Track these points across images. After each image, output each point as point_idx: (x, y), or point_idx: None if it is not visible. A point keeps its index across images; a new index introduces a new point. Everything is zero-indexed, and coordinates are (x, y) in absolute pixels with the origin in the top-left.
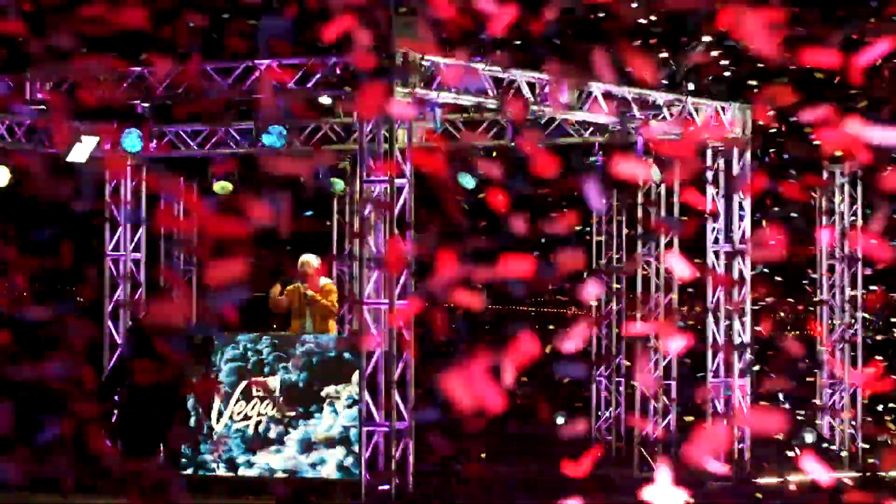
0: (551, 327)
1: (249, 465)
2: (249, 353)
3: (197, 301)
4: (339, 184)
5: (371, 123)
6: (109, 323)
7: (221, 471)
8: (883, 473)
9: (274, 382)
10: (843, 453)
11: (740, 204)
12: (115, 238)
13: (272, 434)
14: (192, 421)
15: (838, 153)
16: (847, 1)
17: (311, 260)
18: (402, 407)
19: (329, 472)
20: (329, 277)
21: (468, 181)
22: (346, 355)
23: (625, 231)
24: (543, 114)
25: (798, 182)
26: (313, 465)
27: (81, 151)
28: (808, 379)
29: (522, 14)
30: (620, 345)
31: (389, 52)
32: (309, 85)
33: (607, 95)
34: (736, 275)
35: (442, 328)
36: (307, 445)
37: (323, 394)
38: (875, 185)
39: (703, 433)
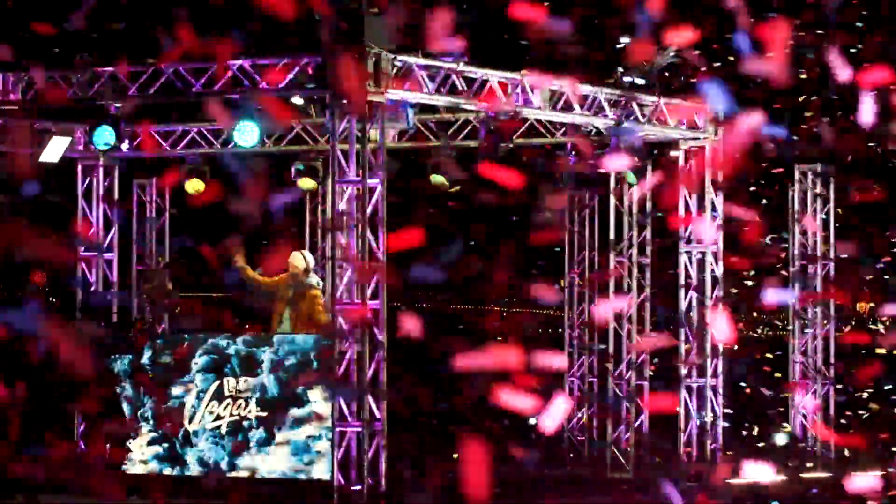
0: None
1: (229, 466)
2: (223, 354)
3: None
4: None
5: (344, 122)
6: None
7: (195, 471)
8: (856, 473)
9: None
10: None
11: (713, 204)
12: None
13: (241, 434)
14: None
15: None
16: None
17: (296, 259)
18: (374, 407)
19: (299, 472)
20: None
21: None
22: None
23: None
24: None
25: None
26: (284, 466)
27: (54, 151)
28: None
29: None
30: (592, 343)
31: (361, 53)
32: (282, 85)
33: (584, 96)
34: (708, 276)
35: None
36: (277, 446)
37: (298, 394)
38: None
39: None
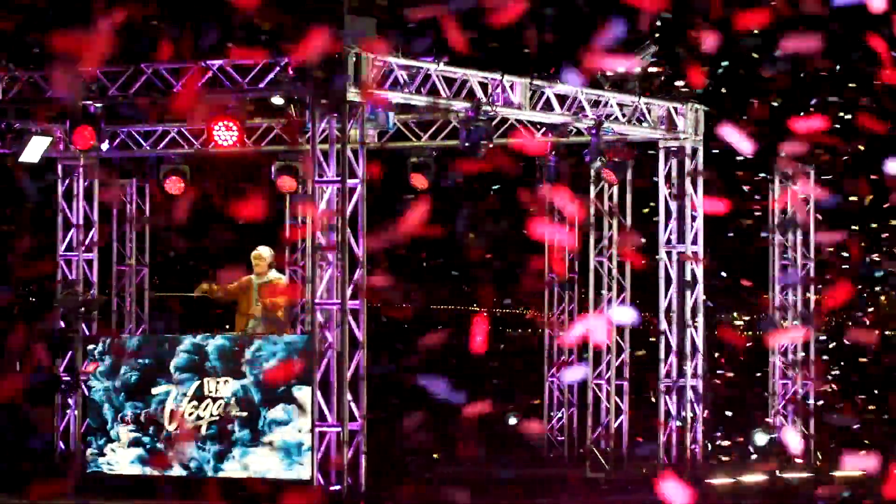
0: None
1: (211, 467)
2: (202, 354)
3: None
4: None
5: (324, 122)
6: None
7: (177, 471)
8: (836, 473)
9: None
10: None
11: (693, 204)
12: (68, 239)
13: (223, 435)
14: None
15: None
16: None
17: (262, 252)
18: (353, 407)
19: (278, 472)
20: (282, 273)
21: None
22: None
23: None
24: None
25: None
26: (265, 466)
27: (34, 151)
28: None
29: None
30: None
31: (342, 52)
32: (261, 85)
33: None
34: (689, 276)
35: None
36: (258, 446)
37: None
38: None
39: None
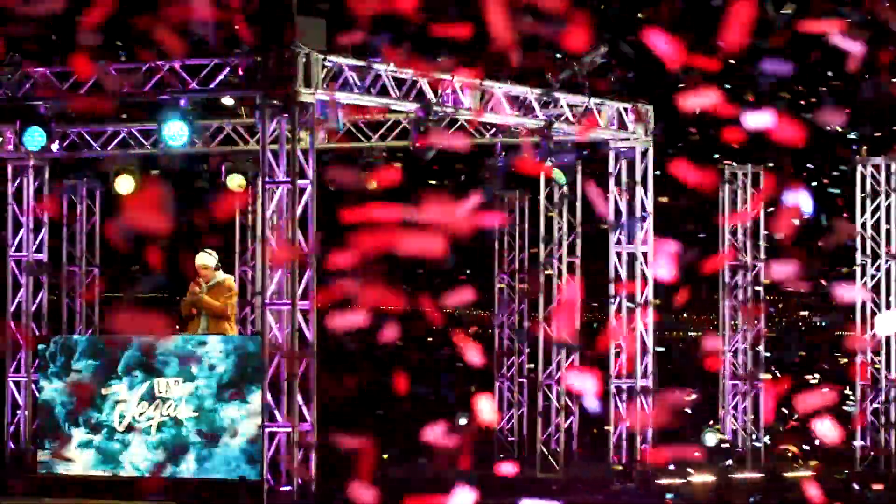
0: None
1: (160, 467)
2: (153, 355)
3: None
4: None
5: (274, 123)
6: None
7: (129, 472)
8: (786, 474)
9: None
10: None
11: (643, 205)
12: (18, 239)
13: (173, 435)
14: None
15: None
16: None
17: (207, 261)
18: (304, 407)
19: (230, 473)
20: (228, 274)
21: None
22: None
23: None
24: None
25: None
26: (215, 467)
27: None
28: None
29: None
30: (523, 346)
31: (292, 53)
32: (212, 86)
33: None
34: (638, 276)
35: None
36: (209, 447)
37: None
38: None
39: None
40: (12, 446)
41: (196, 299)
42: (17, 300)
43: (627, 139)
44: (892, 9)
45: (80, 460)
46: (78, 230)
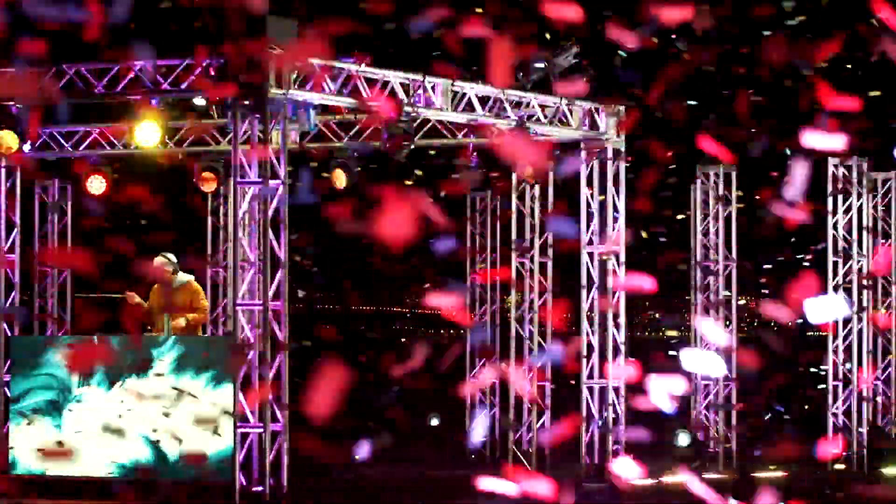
0: None
1: (124, 467)
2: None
3: None
4: None
5: (245, 123)
6: None
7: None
8: (757, 474)
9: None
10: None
11: (615, 205)
12: None
13: (138, 434)
14: None
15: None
16: None
17: (163, 261)
18: (275, 408)
19: (199, 473)
20: (189, 274)
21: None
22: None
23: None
24: (417, 115)
25: None
26: (182, 466)
27: None
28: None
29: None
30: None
31: (264, 54)
32: (184, 86)
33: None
34: (610, 277)
35: None
36: (175, 446)
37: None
38: None
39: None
40: None
41: (178, 327)
42: None
43: (599, 139)
44: None
45: (43, 458)
46: (50, 230)
